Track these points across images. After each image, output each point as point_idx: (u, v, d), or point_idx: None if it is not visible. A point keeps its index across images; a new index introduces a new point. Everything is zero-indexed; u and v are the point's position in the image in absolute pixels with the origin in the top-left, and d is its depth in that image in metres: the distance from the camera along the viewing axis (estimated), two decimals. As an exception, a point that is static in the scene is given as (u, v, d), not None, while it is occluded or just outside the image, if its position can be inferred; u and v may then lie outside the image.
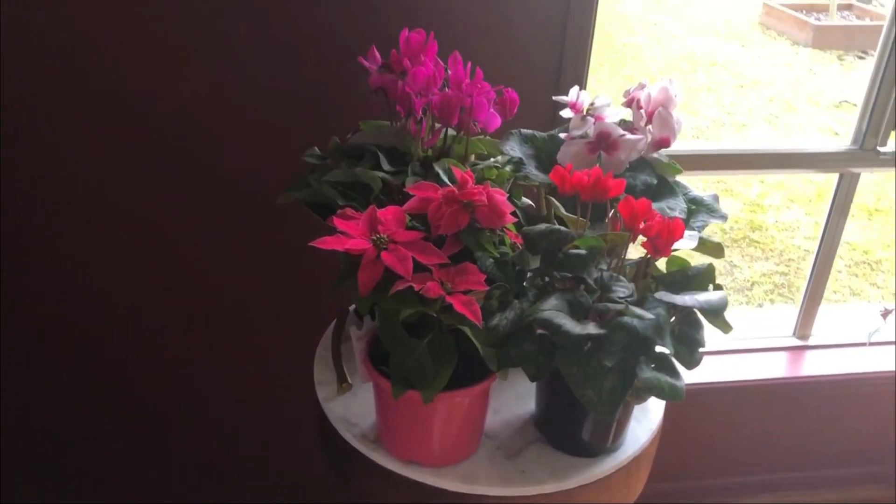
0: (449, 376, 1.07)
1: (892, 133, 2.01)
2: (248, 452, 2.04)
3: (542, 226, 1.10)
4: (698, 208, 1.33)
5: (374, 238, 1.05)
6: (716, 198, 1.36)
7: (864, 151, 1.97)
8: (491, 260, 1.09)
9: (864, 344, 2.22)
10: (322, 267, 1.36)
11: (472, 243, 1.06)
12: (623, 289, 1.07)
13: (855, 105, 4.13)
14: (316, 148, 1.39)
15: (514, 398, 1.33)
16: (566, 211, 1.15)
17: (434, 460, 1.17)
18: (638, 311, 1.01)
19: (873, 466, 2.32)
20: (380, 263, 1.02)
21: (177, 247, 1.73)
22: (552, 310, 1.01)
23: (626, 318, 1.03)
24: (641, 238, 1.06)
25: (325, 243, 1.03)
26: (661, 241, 1.05)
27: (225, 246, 1.75)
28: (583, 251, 1.08)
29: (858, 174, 2.01)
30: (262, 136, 1.65)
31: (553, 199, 1.17)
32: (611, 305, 1.02)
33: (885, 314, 2.30)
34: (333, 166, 1.35)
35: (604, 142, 1.26)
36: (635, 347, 1.02)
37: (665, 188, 1.29)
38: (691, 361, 1.08)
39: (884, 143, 1.98)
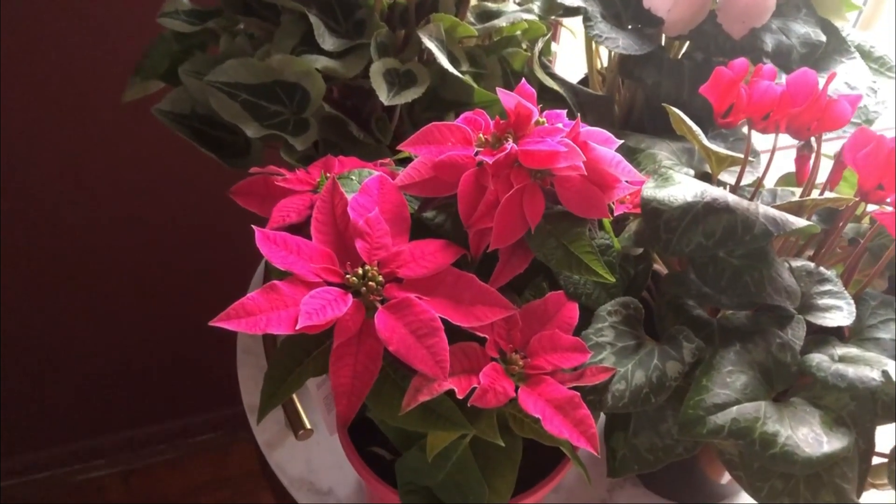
0: (513, 487, 0.57)
1: None
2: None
3: (681, 188, 0.54)
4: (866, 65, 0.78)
5: (353, 277, 0.47)
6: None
7: None
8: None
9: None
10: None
11: (557, 259, 0.50)
12: (839, 304, 0.55)
13: None
14: (183, -4, 0.73)
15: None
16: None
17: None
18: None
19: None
20: (372, 340, 0.46)
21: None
22: (742, 399, 0.49)
23: (843, 369, 0.52)
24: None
25: (247, 319, 0.45)
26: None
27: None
28: (761, 241, 0.54)
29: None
30: None
31: (678, 111, 0.59)
32: (855, 374, 0.50)
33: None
34: (221, 37, 0.71)
35: (735, -35, 0.67)
36: (865, 413, 0.53)
37: (834, 45, 0.73)
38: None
39: None
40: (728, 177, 0.63)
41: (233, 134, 0.69)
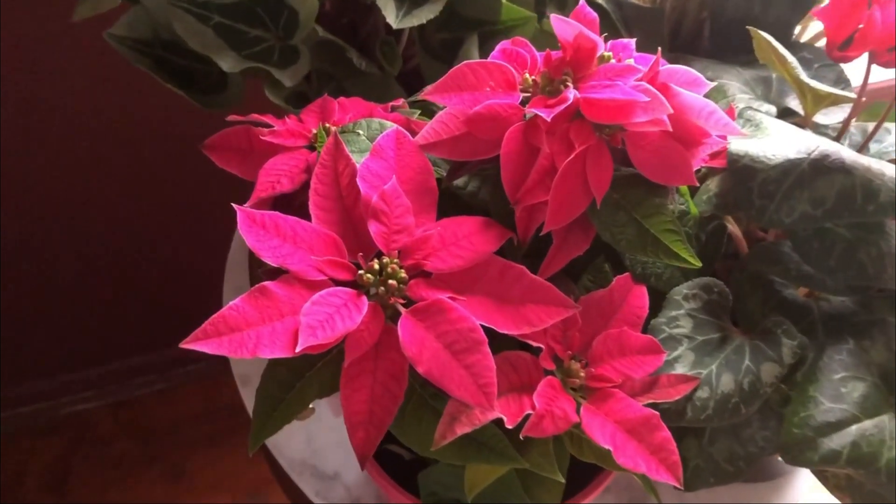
0: (560, 499, 0.47)
1: None
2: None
3: (780, 140, 0.42)
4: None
5: (367, 273, 0.36)
6: None
7: None
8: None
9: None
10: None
11: (627, 240, 0.39)
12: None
13: None
14: None
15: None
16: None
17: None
18: None
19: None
20: (394, 353, 0.35)
21: None
22: (862, 416, 0.39)
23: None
24: None
25: (230, 337, 0.34)
26: None
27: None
28: (889, 212, 0.42)
29: None
30: None
31: (768, 36, 0.47)
32: None
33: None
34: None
35: None
36: None
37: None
38: None
39: None
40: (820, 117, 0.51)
41: (206, 64, 0.56)
